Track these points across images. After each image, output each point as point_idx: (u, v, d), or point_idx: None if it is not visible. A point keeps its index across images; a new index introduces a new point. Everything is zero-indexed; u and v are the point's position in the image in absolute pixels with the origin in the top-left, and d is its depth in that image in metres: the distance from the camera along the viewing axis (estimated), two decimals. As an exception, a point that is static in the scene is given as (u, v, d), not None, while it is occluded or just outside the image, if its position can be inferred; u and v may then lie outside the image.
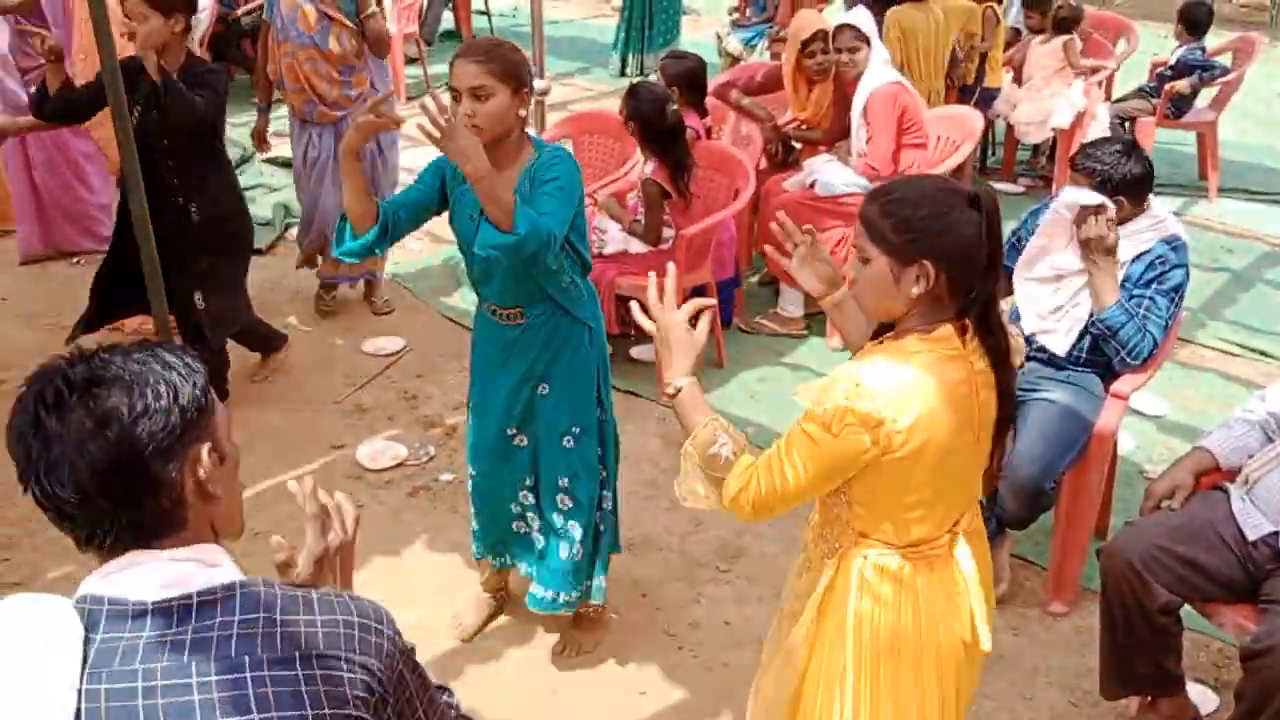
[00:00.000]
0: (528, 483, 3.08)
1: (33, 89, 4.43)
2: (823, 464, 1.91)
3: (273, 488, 4.02)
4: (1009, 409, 2.01)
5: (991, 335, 1.94)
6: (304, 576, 1.55)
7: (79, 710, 1.20)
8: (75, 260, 5.95)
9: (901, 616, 2.01)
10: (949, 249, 1.87)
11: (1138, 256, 3.33)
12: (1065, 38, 6.68)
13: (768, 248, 2.50)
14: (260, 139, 5.31)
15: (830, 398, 1.86)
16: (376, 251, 2.86)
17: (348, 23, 4.74)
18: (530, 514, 3.13)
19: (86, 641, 1.24)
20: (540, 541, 3.15)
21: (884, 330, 2.03)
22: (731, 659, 3.26)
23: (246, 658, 1.25)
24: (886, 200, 1.92)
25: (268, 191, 6.88)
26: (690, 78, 4.99)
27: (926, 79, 6.15)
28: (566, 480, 3.04)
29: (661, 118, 4.51)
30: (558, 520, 3.08)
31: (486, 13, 11.22)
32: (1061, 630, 3.33)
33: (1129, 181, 3.30)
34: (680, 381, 2.05)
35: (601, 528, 3.15)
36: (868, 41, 5.00)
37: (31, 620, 1.24)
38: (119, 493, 1.28)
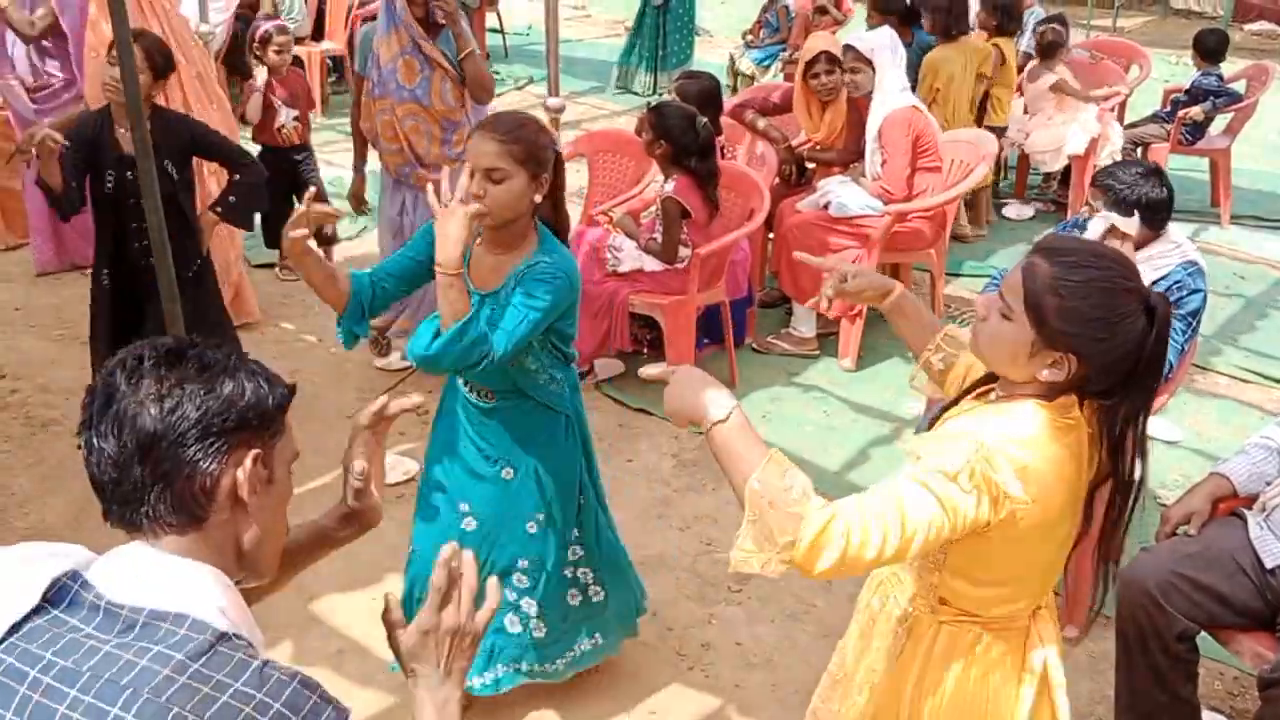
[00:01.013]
0: None
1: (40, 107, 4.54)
2: (935, 530, 1.67)
3: (298, 499, 4.01)
4: (1120, 509, 1.84)
5: (1117, 456, 1.76)
6: (405, 645, 1.46)
7: None
8: (89, 272, 5.97)
9: (979, 692, 1.91)
10: (1101, 354, 1.71)
11: (1155, 282, 3.32)
12: (1053, 78, 6.65)
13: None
14: (357, 201, 5.02)
15: (953, 459, 1.68)
16: (359, 332, 2.70)
17: (450, 68, 4.34)
18: None
19: (40, 610, 1.25)
20: None
21: (987, 378, 1.93)
22: (743, 680, 3.25)
23: (129, 697, 1.17)
24: (1064, 276, 1.71)
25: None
26: (706, 97, 5.01)
27: (961, 118, 6.17)
28: (526, 563, 2.85)
29: (694, 134, 4.53)
30: (509, 596, 2.88)
31: (501, 31, 11.28)
32: (1075, 656, 3.31)
33: (1146, 204, 3.31)
34: (727, 402, 1.71)
35: (586, 615, 2.99)
36: (869, 64, 5.03)
37: (2, 569, 1.28)
38: (155, 464, 1.29)
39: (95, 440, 1.31)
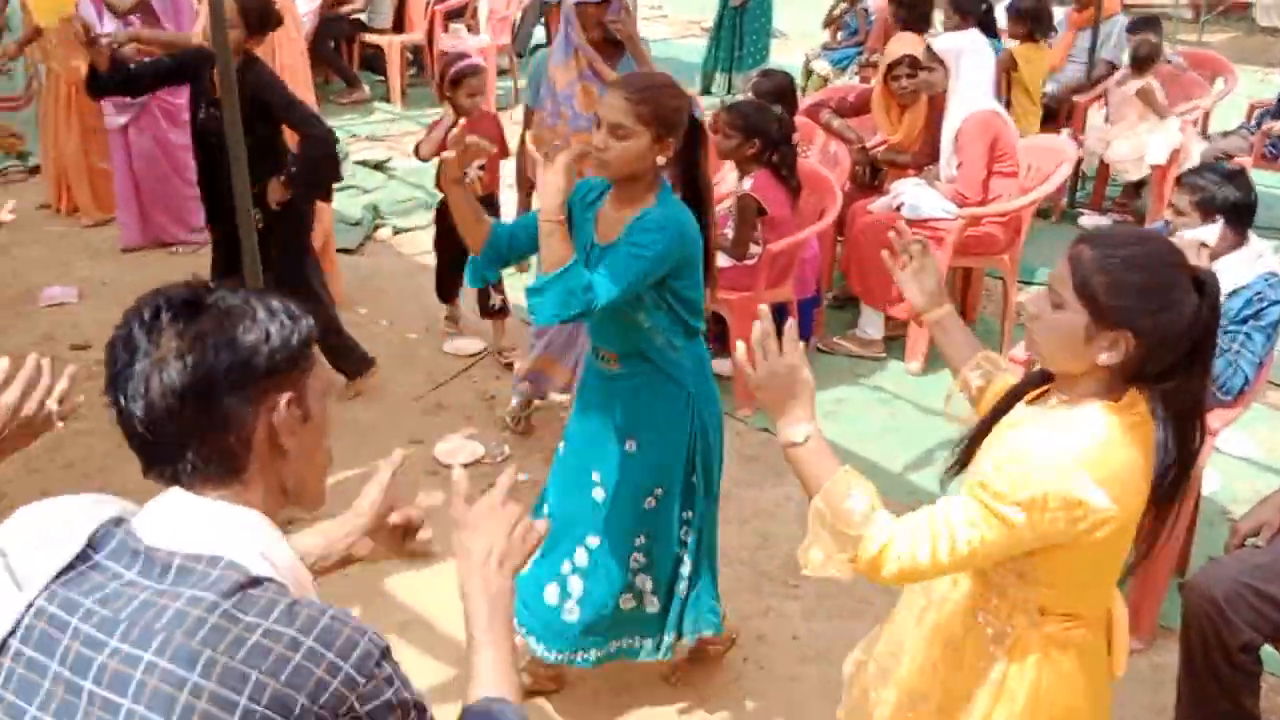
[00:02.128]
0: (589, 542, 2.87)
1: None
2: (1001, 546, 1.72)
3: (353, 477, 4.10)
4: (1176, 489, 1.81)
5: (1182, 442, 1.76)
6: (462, 514, 1.57)
7: (20, 618, 1.23)
8: (172, 249, 6.15)
9: (1077, 686, 1.93)
10: (1158, 329, 1.71)
11: (1234, 291, 3.28)
12: (1140, 83, 6.56)
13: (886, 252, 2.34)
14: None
15: (1018, 475, 1.69)
16: (489, 276, 2.80)
17: None
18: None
19: (84, 557, 1.25)
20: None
21: (1043, 379, 1.93)
22: (799, 673, 3.26)
23: (163, 641, 1.18)
24: (1109, 253, 1.73)
25: (359, 193, 7.03)
26: (781, 94, 5.02)
27: (1029, 117, 6.13)
28: (642, 539, 2.86)
29: (777, 125, 4.56)
30: (623, 575, 2.88)
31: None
32: (1138, 668, 3.26)
33: (1231, 205, 3.27)
34: (806, 428, 1.80)
35: (683, 601, 2.96)
36: (942, 63, 5.01)
37: (50, 517, 1.30)
38: (188, 420, 1.27)
39: (123, 401, 1.28)
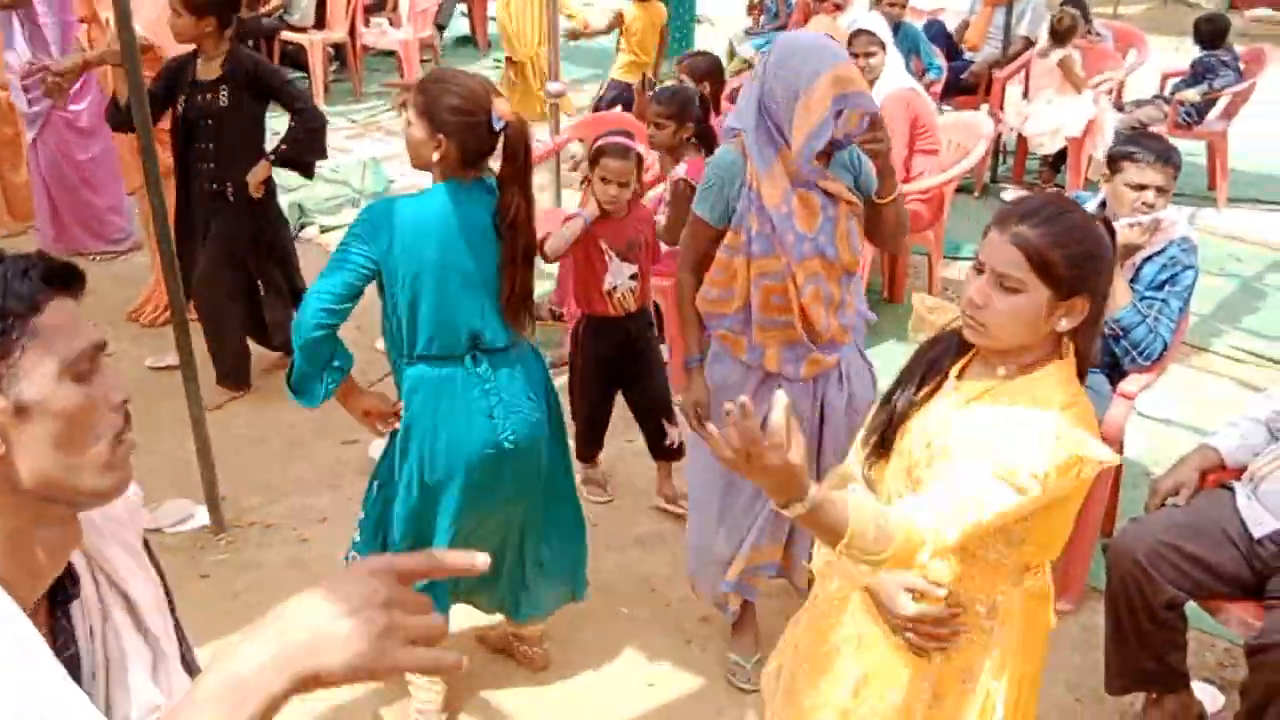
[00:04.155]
0: None
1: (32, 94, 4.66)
2: (1015, 513, 1.78)
3: (287, 480, 4.07)
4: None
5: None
6: None
7: None
8: (91, 257, 6.04)
9: (1045, 632, 2.06)
10: (1101, 284, 1.84)
11: (1150, 258, 3.36)
12: (1062, 53, 6.68)
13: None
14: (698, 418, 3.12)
15: (1036, 456, 1.74)
16: None
17: (858, 202, 2.83)
18: None
19: None
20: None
21: (958, 352, 1.98)
22: (740, 653, 3.29)
23: None
24: (1052, 229, 1.79)
25: (283, 192, 6.89)
26: (714, 73, 5.04)
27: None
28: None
29: (699, 105, 4.49)
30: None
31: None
32: (1067, 628, 3.35)
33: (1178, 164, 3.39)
34: (799, 507, 1.62)
35: None
36: (883, 46, 5.04)
37: None
38: None
39: None
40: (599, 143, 3.67)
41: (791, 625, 2.35)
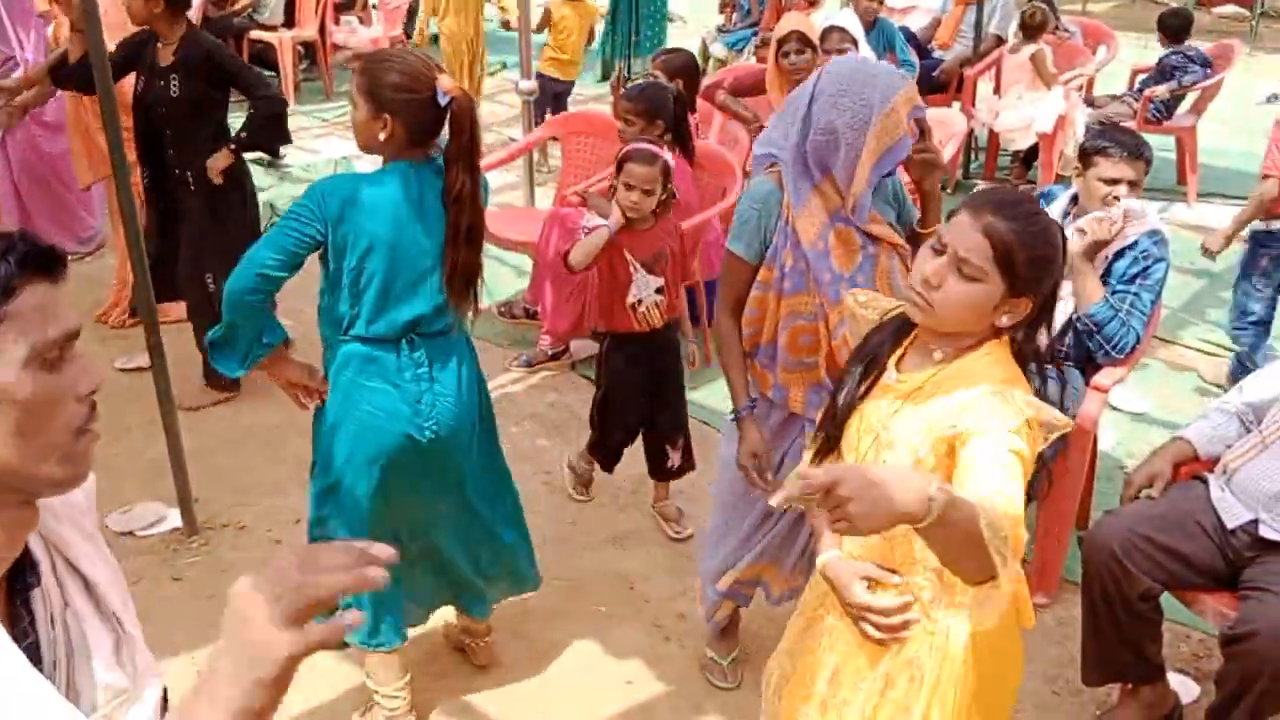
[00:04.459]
0: None
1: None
2: (1028, 471, 1.76)
3: (261, 481, 4.04)
4: None
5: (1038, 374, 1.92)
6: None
7: None
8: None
9: (1011, 624, 1.96)
10: (1050, 289, 1.86)
11: (1121, 252, 3.37)
12: (1034, 48, 6.73)
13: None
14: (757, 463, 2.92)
15: (1013, 422, 1.74)
16: None
17: (902, 243, 2.65)
18: None
19: None
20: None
21: (895, 338, 1.98)
22: (718, 649, 3.29)
23: None
24: (1024, 227, 1.80)
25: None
26: (689, 70, 5.03)
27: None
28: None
29: (674, 103, 4.48)
30: None
31: (472, 17, 11.24)
32: (1043, 622, 3.36)
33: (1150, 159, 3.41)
34: (929, 502, 1.47)
35: None
36: (855, 43, 5.05)
37: None
38: None
39: None
40: (625, 149, 3.54)
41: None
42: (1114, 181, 3.36)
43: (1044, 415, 1.77)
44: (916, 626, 1.95)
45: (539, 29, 7.33)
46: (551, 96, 7.35)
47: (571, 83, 7.64)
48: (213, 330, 2.62)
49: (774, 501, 1.48)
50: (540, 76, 7.25)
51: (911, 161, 2.55)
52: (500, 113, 9.00)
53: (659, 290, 3.54)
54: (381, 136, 2.53)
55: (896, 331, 1.98)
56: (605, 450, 3.84)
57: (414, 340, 2.64)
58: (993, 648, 1.96)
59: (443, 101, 2.52)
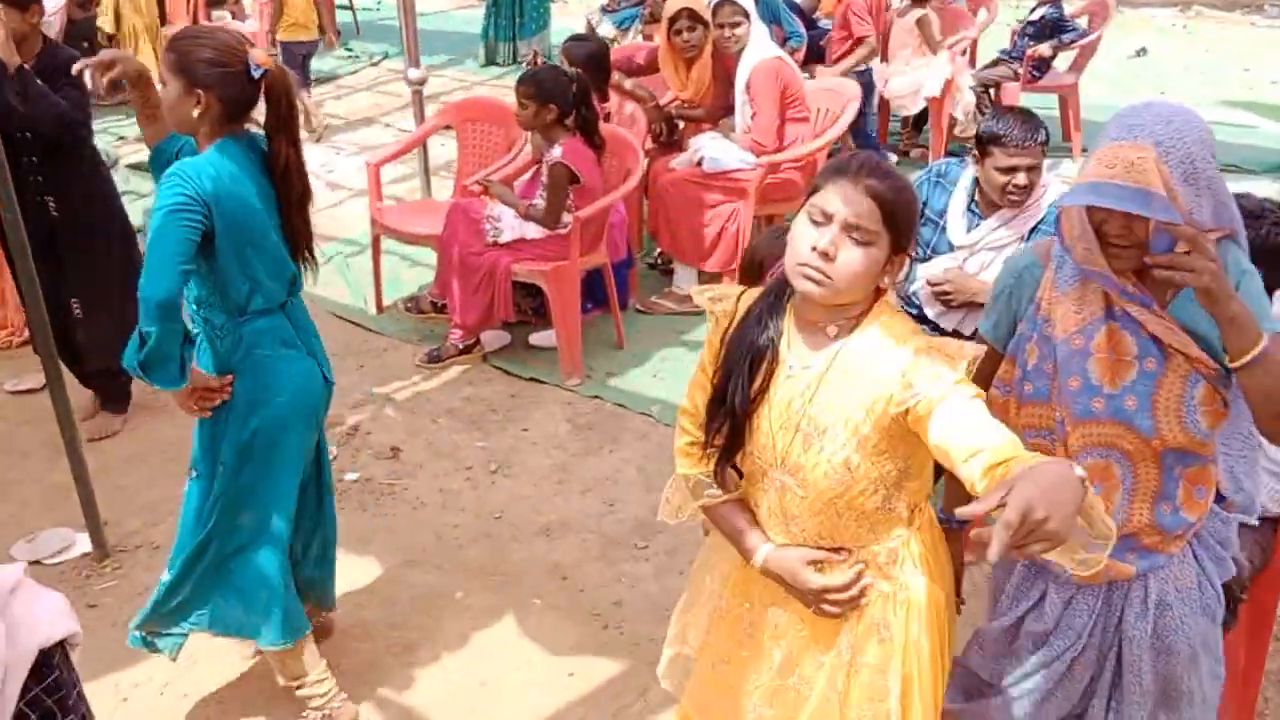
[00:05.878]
0: None
1: None
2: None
3: (167, 497, 3.89)
4: None
5: None
6: None
7: None
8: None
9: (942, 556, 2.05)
10: (912, 243, 1.92)
11: (1035, 228, 3.34)
12: (920, 13, 6.82)
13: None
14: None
15: (949, 370, 1.77)
16: None
17: (1210, 359, 1.96)
18: None
19: None
20: None
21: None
22: (658, 633, 3.24)
23: None
24: (895, 184, 1.84)
25: (135, 198, 6.66)
26: (596, 60, 4.99)
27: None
28: None
29: (573, 89, 4.48)
30: None
31: (350, 7, 11.04)
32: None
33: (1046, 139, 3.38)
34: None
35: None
36: (748, 16, 5.05)
37: None
38: None
39: None
40: None
41: (681, 612, 2.34)
42: (1011, 170, 3.29)
43: (967, 353, 1.80)
44: (873, 591, 1.97)
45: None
46: (300, 60, 8.19)
47: (315, 43, 8.51)
48: (140, 352, 2.49)
49: (991, 555, 1.37)
50: (285, 45, 8.05)
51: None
52: (385, 104, 8.83)
53: None
54: (195, 113, 2.51)
55: (770, 318, 1.94)
56: None
57: (288, 302, 2.72)
58: (941, 574, 2.03)
59: (256, 74, 2.53)
